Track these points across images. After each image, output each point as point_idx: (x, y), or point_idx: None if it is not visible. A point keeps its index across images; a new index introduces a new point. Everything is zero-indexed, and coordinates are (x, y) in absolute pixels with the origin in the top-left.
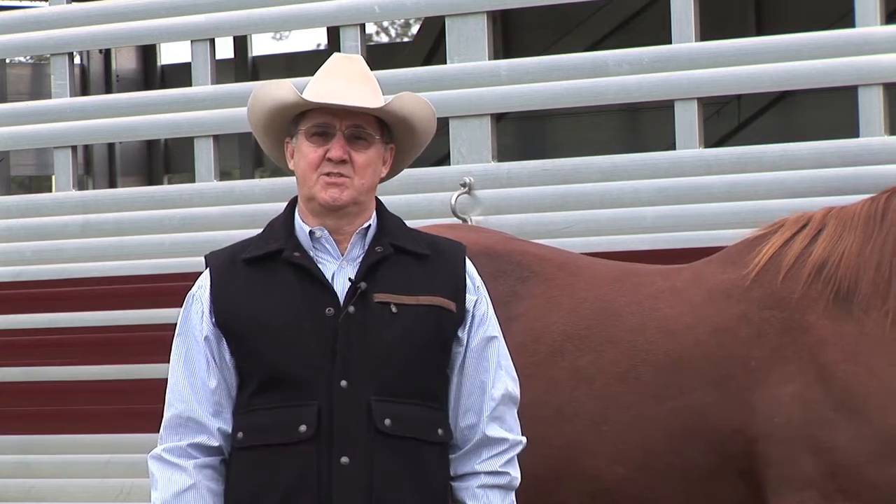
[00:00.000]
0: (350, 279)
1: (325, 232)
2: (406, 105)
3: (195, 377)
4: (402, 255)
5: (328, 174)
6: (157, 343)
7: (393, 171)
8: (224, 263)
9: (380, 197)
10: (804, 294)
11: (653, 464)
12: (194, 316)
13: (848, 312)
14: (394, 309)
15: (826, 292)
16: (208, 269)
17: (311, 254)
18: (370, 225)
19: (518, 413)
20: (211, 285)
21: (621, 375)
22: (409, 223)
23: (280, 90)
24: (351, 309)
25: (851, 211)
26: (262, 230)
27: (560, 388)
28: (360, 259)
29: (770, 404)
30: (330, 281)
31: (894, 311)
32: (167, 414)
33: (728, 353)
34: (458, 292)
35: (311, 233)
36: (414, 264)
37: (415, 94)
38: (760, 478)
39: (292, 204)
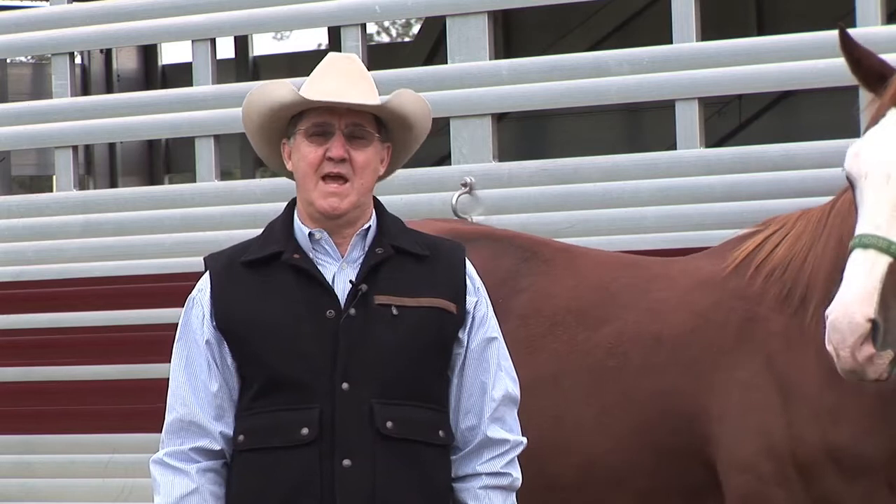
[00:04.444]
0: (351, 281)
1: (325, 234)
2: (405, 103)
3: (196, 381)
4: (402, 256)
5: (327, 176)
6: (157, 343)
7: (388, 171)
8: (223, 266)
9: (381, 197)
10: (762, 290)
11: (630, 439)
12: (195, 319)
13: (790, 309)
14: (394, 311)
15: (776, 290)
16: (208, 271)
17: (311, 256)
18: (370, 226)
19: (521, 386)
20: (211, 288)
21: (611, 351)
22: (409, 223)
23: (280, 90)
24: (352, 311)
25: (812, 213)
26: (261, 232)
27: (559, 360)
28: (360, 261)
29: (724, 389)
30: (330, 283)
31: (816, 311)
32: (169, 418)
33: (699, 337)
34: (459, 294)
35: (310, 235)
36: (414, 265)
37: (413, 91)
38: (714, 461)
39: (291, 205)
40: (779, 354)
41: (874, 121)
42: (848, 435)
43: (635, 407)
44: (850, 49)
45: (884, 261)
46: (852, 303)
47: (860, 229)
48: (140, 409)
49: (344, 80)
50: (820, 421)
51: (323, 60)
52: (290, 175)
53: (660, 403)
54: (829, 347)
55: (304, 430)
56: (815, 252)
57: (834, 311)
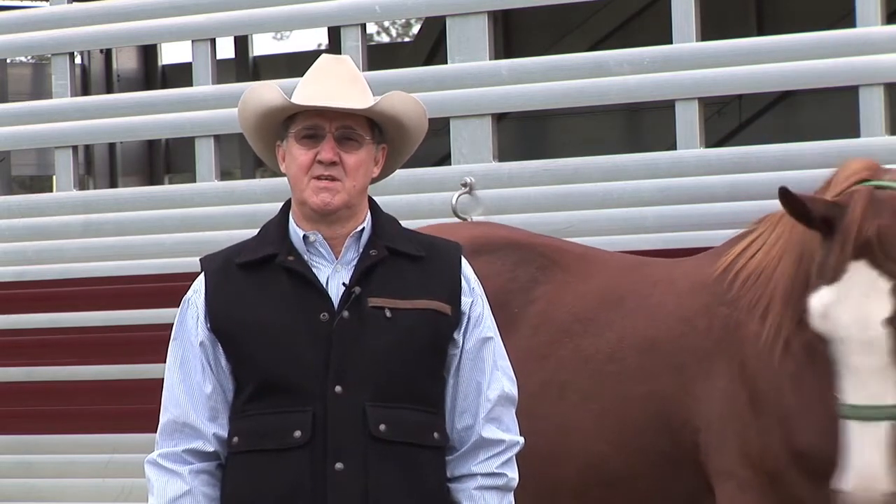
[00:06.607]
0: (344, 284)
1: (319, 236)
2: (395, 104)
3: (191, 382)
4: (397, 257)
5: (319, 177)
6: (158, 343)
7: (386, 172)
8: (219, 267)
9: (380, 197)
10: (739, 295)
11: (627, 443)
12: (190, 320)
13: (759, 315)
14: (388, 313)
15: (750, 297)
16: (203, 273)
17: (306, 258)
18: (364, 228)
19: (530, 391)
20: (206, 290)
21: (611, 356)
22: (410, 224)
23: (268, 94)
24: (345, 314)
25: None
26: (256, 233)
27: (566, 367)
28: (354, 263)
29: (708, 396)
30: (324, 285)
31: (774, 320)
32: (163, 419)
33: (687, 342)
34: (454, 294)
35: (304, 237)
36: (409, 267)
37: (404, 92)
38: (705, 469)
39: (286, 207)
40: (750, 360)
41: (835, 275)
42: (810, 438)
43: (630, 411)
44: (795, 204)
45: (884, 428)
46: (870, 479)
47: (853, 399)
48: (140, 409)
49: (334, 83)
50: (783, 426)
51: (315, 62)
52: (285, 174)
53: (650, 407)
54: None
55: (297, 433)
56: (784, 262)
57: (853, 487)
